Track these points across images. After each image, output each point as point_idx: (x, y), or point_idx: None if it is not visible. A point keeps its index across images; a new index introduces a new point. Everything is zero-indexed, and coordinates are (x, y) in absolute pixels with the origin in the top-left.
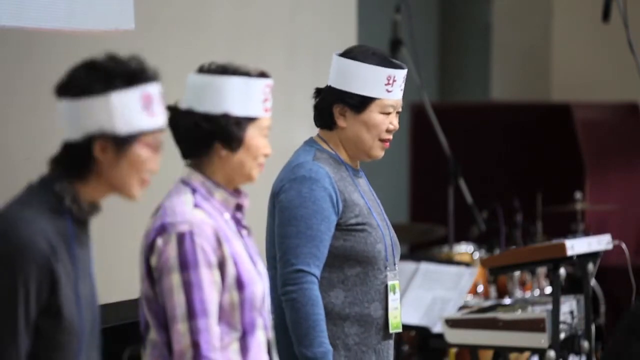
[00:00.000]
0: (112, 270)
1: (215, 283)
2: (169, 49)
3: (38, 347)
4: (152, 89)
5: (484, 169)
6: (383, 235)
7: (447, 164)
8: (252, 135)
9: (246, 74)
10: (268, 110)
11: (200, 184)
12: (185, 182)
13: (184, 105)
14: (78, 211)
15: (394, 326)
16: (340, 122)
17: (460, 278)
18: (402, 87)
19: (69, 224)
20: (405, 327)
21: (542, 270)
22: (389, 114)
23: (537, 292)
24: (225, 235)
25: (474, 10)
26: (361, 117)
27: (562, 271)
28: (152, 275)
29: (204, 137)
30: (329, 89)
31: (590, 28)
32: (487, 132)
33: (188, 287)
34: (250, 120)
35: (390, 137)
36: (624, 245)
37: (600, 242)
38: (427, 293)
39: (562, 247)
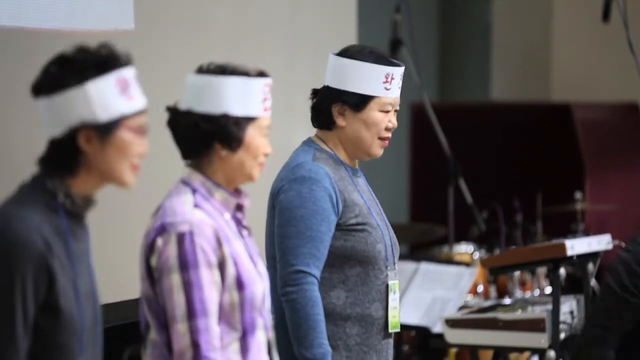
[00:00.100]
0: (112, 270)
1: (215, 283)
2: (169, 49)
3: (39, 345)
4: (127, 73)
5: (484, 169)
6: (383, 235)
7: (447, 164)
8: (252, 134)
9: (245, 73)
10: (267, 110)
11: (200, 184)
12: (185, 182)
13: (183, 105)
14: (72, 206)
15: (393, 325)
16: (340, 121)
17: (460, 278)
18: (400, 85)
19: (64, 219)
20: (405, 327)
21: (542, 270)
22: (387, 112)
23: (537, 292)
24: (225, 236)
25: (474, 10)
26: (360, 115)
27: (562, 271)
28: (152, 275)
29: (204, 138)
30: (327, 89)
31: (590, 28)
32: (487, 132)
33: (188, 287)
34: (249, 120)
35: (390, 135)
36: (624, 245)
37: (600, 242)
38: (427, 293)
39: (562, 247)
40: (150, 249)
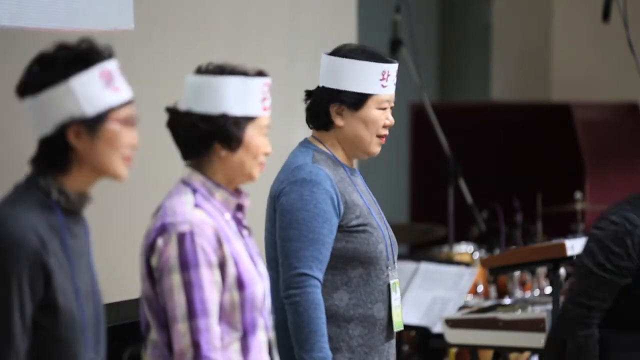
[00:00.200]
0: (112, 270)
1: (216, 283)
2: (169, 49)
3: (41, 343)
4: (109, 65)
5: (484, 169)
6: (383, 235)
7: (447, 164)
8: (252, 134)
9: (244, 73)
10: (267, 109)
11: (200, 184)
12: (185, 183)
13: (182, 106)
14: (67, 203)
15: (397, 324)
16: (338, 121)
17: (460, 278)
18: (395, 81)
19: (59, 216)
20: (405, 327)
21: (542, 270)
22: (384, 109)
23: (537, 292)
24: (225, 236)
25: (474, 10)
26: (359, 114)
27: (562, 271)
28: (152, 275)
29: (203, 138)
30: (323, 89)
31: (590, 28)
32: (487, 132)
33: (189, 287)
34: (249, 119)
35: (387, 132)
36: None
37: None
38: (427, 293)
39: (562, 247)
40: (150, 249)
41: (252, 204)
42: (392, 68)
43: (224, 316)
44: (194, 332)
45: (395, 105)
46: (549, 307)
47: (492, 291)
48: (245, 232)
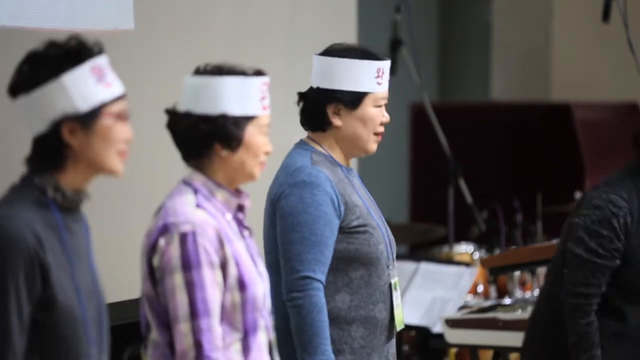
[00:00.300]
0: (112, 270)
1: (218, 283)
2: (169, 49)
3: (42, 342)
4: (100, 61)
5: (484, 169)
6: (383, 235)
7: (447, 164)
8: (252, 133)
9: (242, 73)
10: (266, 109)
11: (201, 184)
12: (186, 183)
13: (182, 107)
14: (63, 200)
15: (399, 323)
16: (336, 121)
17: (460, 278)
18: (388, 78)
19: (56, 214)
20: (406, 327)
21: (542, 270)
22: (380, 106)
23: (537, 292)
24: (227, 236)
25: (474, 10)
26: (356, 113)
27: None
28: (154, 275)
29: (203, 139)
30: (317, 90)
31: (590, 28)
32: (487, 132)
33: (190, 287)
34: (248, 119)
35: (383, 130)
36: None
37: None
38: (427, 293)
39: None
40: (152, 249)
41: (252, 204)
42: (386, 65)
43: (225, 316)
44: (196, 332)
45: (396, 105)
46: None
47: (492, 291)
48: (246, 232)
